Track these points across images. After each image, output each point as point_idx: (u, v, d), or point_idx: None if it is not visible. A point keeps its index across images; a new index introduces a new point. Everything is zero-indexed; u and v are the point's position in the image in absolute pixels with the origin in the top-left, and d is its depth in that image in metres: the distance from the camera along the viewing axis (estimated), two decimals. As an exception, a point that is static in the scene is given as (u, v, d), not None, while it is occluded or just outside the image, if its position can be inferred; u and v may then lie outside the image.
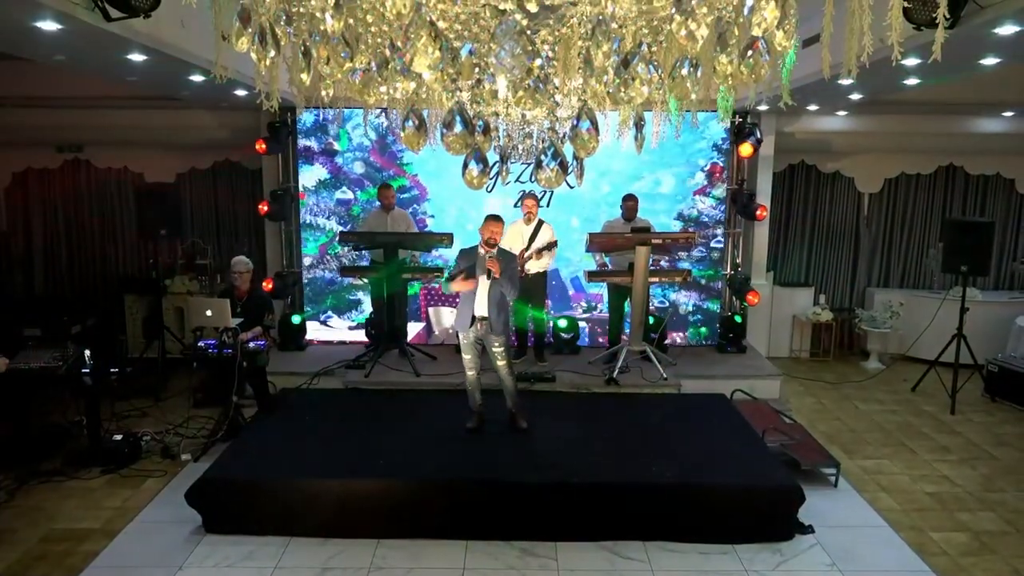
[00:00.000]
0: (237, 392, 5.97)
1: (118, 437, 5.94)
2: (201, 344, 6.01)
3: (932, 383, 7.81)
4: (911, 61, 4.62)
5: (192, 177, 9.10)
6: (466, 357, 5.61)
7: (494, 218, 5.49)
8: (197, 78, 5.45)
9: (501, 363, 5.59)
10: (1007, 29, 3.79)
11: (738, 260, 8.18)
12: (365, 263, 7.75)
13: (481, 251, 5.44)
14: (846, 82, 5.51)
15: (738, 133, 7.71)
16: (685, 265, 7.70)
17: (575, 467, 5.06)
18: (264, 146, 7.49)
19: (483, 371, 5.73)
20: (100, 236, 9.29)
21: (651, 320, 7.65)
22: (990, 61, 4.62)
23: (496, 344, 5.56)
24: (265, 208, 7.68)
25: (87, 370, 5.79)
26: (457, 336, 5.73)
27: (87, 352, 5.90)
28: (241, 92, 6.35)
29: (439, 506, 4.83)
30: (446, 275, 7.50)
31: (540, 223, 7.02)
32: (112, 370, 5.92)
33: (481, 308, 5.45)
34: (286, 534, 4.75)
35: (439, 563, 4.50)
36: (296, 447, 5.40)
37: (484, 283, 5.41)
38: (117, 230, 9.27)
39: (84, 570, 4.40)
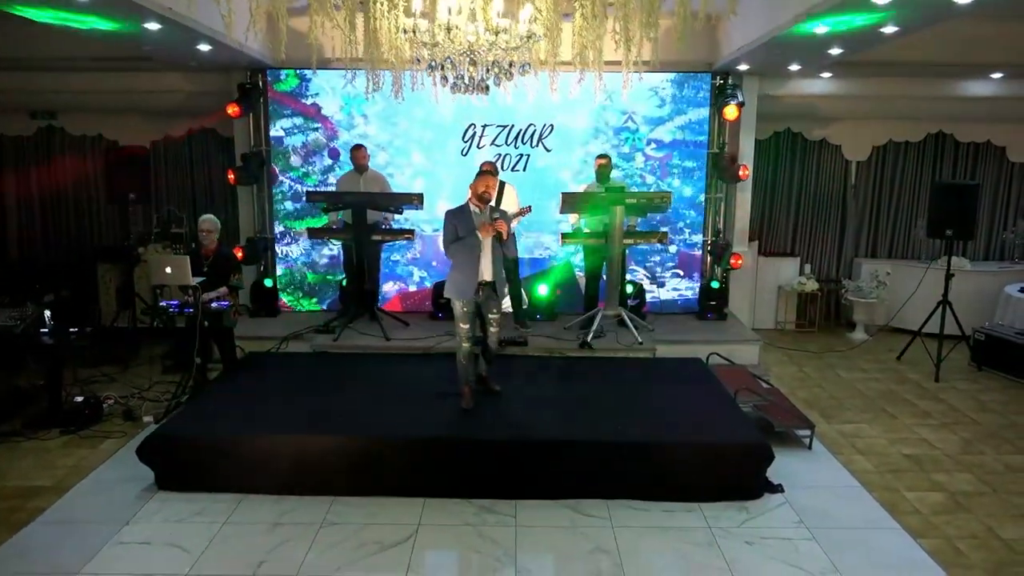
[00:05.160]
0: (200, 354, 5.84)
1: (79, 399, 5.83)
2: (163, 304, 5.89)
3: (918, 352, 7.67)
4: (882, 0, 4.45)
5: (167, 145, 8.95)
6: (464, 327, 5.09)
7: (491, 172, 4.98)
8: (153, 26, 5.27)
9: (494, 329, 5.28)
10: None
11: (719, 226, 7.99)
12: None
13: (475, 208, 4.97)
14: (820, 30, 5.32)
15: (719, 94, 7.54)
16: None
17: (539, 426, 4.94)
18: (237, 109, 7.31)
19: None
20: (75, 205, 9.17)
21: (631, 288, 7.49)
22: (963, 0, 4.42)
23: (495, 309, 5.21)
24: (232, 177, 7.52)
25: (45, 330, 5.68)
26: (448, 304, 5.26)
27: (47, 313, 5.79)
28: (205, 47, 6.18)
29: (398, 464, 4.70)
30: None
31: (503, 184, 6.68)
32: (72, 330, 5.79)
33: (486, 272, 5.02)
34: (242, 491, 4.63)
35: (395, 519, 4.38)
36: (255, 406, 5.26)
37: (487, 245, 4.98)
38: (92, 199, 9.16)
39: (29, 524, 4.29)
